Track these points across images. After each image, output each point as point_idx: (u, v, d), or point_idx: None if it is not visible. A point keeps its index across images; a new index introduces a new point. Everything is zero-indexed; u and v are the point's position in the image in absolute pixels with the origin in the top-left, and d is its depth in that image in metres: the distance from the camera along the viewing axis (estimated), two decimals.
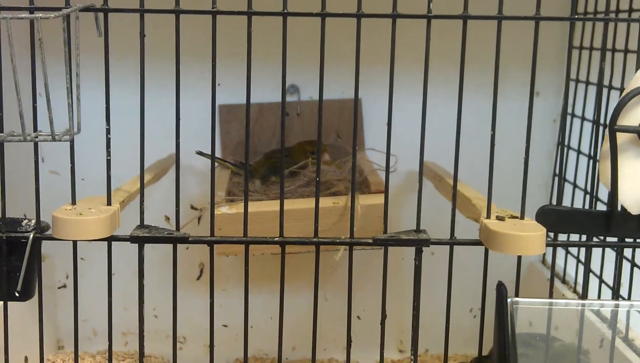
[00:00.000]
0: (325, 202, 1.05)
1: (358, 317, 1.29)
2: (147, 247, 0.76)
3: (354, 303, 0.80)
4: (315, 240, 0.76)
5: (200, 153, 1.16)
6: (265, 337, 1.12)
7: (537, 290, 1.17)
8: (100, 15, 0.72)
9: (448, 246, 0.78)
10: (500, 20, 0.73)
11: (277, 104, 1.26)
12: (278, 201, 1.06)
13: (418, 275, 0.75)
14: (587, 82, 1.13)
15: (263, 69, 1.23)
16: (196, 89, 1.21)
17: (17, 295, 0.76)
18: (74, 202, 0.75)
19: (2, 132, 0.72)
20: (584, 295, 0.80)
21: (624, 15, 0.98)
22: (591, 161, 1.07)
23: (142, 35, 0.72)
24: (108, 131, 0.74)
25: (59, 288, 1.26)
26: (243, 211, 1.05)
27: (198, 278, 1.31)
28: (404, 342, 1.33)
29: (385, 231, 0.76)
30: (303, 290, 1.24)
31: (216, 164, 1.21)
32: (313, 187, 1.10)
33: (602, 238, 0.78)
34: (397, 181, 1.23)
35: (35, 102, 0.73)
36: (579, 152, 1.15)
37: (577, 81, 1.17)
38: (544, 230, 0.72)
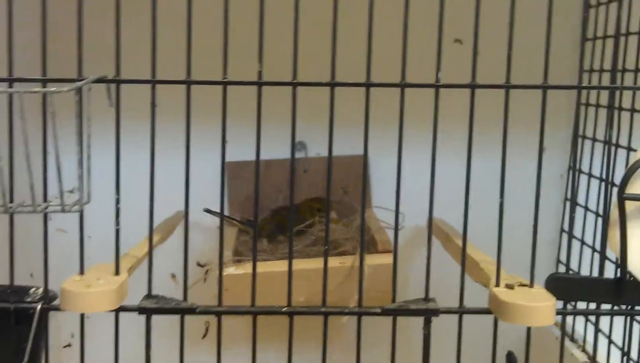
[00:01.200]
0: (332, 262, 1.04)
1: None
2: None
3: None
4: (323, 310, 0.76)
5: (208, 211, 1.16)
6: None
7: (546, 349, 1.16)
8: (112, 86, 0.72)
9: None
10: (508, 89, 0.74)
11: (284, 160, 1.27)
12: (285, 262, 1.06)
13: (427, 345, 0.75)
14: (594, 139, 1.14)
15: (270, 125, 1.23)
16: (203, 147, 1.22)
17: None
18: (82, 271, 0.75)
19: (12, 202, 0.72)
20: (593, 359, 0.80)
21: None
22: (599, 218, 1.07)
23: (154, 106, 0.73)
24: (117, 201, 0.74)
25: (64, 347, 1.26)
26: (250, 271, 1.06)
27: (204, 337, 1.31)
28: None
29: (393, 300, 0.76)
30: (310, 351, 1.23)
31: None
32: (320, 246, 1.10)
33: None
34: (404, 237, 1.23)
35: (46, 173, 0.73)
36: (586, 209, 1.14)
37: (584, 137, 1.17)
38: (554, 299, 0.71)
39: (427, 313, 0.73)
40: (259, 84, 0.73)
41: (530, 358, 0.76)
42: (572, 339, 1.13)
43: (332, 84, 0.73)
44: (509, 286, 0.75)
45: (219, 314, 0.75)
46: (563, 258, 1.19)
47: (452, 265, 0.98)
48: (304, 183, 1.25)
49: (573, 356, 1.09)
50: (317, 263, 1.05)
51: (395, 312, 0.74)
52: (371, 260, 1.04)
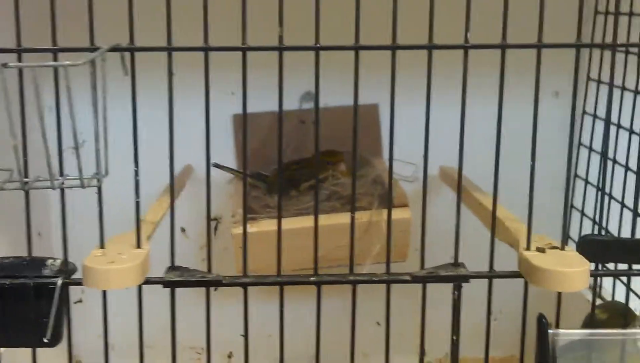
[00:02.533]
0: (347, 218, 1.03)
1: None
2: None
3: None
4: (351, 278, 0.74)
5: (217, 166, 1.14)
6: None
7: (576, 310, 1.14)
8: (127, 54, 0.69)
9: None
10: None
11: (293, 112, 1.24)
12: (300, 219, 1.05)
13: (457, 310, 0.74)
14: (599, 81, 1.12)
15: (275, 75, 1.20)
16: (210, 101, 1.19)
17: (45, 341, 0.74)
18: (102, 246, 0.73)
19: (27, 177, 0.70)
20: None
21: None
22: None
23: (170, 74, 0.69)
24: (136, 173, 0.72)
25: (74, 303, 1.25)
26: (265, 229, 1.04)
27: (216, 289, 1.29)
28: None
29: (422, 266, 0.74)
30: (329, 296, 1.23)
31: (232, 176, 1.20)
32: (334, 202, 1.08)
33: None
34: (418, 188, 1.21)
35: (61, 147, 0.70)
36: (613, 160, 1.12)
37: (599, 82, 1.14)
38: (588, 264, 0.70)
39: (457, 279, 0.72)
40: (280, 49, 0.70)
41: (561, 320, 0.75)
42: (600, 297, 1.12)
43: (357, 48, 0.70)
44: (540, 250, 0.73)
45: (245, 285, 0.73)
46: (577, 204, 1.18)
47: (470, 218, 0.96)
48: (313, 135, 1.22)
49: None
50: (332, 219, 1.03)
51: (425, 279, 0.73)
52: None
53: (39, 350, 0.78)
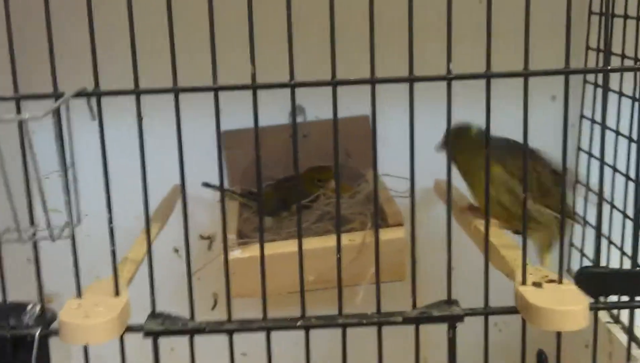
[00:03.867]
0: (342, 240, 1.00)
1: None
2: None
3: None
4: (340, 321, 0.71)
5: (206, 185, 1.11)
6: None
7: (581, 341, 1.11)
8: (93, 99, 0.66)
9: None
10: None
11: (283, 126, 1.20)
12: (293, 242, 1.02)
13: (452, 350, 0.70)
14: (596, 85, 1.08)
15: (263, 90, 1.17)
16: (197, 117, 1.15)
17: None
18: (79, 294, 0.70)
19: None
20: (629, 358, 0.76)
21: None
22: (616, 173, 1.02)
23: (140, 118, 0.66)
24: (110, 220, 0.68)
25: None
26: (257, 254, 1.01)
27: (213, 308, 1.27)
28: None
29: (414, 306, 0.71)
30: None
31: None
32: (327, 223, 1.05)
33: None
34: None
35: (30, 197, 0.67)
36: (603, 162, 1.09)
37: (596, 85, 1.11)
38: (587, 301, 0.66)
39: (452, 319, 0.69)
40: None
41: (563, 354, 0.72)
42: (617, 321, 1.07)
43: (373, 81, 0.67)
44: (537, 284, 0.70)
45: (230, 332, 0.70)
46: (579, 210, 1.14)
47: (462, 236, 0.93)
48: (305, 149, 1.19)
49: (615, 337, 1.02)
50: (325, 242, 1.00)
51: (417, 320, 0.69)
52: (382, 234, 0.99)
53: None
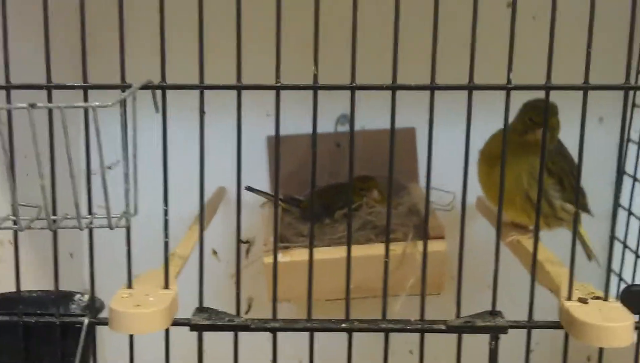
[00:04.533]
0: (382, 250, 1.00)
1: None
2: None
3: None
4: (384, 325, 0.71)
5: (249, 189, 1.12)
6: None
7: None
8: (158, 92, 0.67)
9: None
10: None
11: (329, 134, 1.22)
12: (334, 249, 1.02)
13: (494, 361, 0.71)
14: None
15: (311, 97, 1.18)
16: (245, 120, 1.17)
17: None
18: (129, 285, 0.72)
19: (56, 215, 0.68)
20: None
21: None
22: None
23: (202, 113, 0.68)
24: (166, 213, 0.70)
25: None
26: (297, 259, 1.02)
27: (247, 312, 1.28)
28: None
29: (458, 315, 0.71)
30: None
31: (265, 199, 1.17)
32: (368, 231, 1.05)
33: None
34: (454, 218, 1.18)
35: (90, 185, 0.69)
36: None
37: None
38: (632, 318, 0.67)
39: (495, 330, 0.69)
40: (315, 88, 0.67)
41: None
42: None
43: (394, 87, 0.67)
44: (582, 300, 0.70)
45: (274, 331, 0.71)
46: (620, 235, 1.14)
47: (507, 254, 0.93)
48: (347, 160, 1.19)
49: None
50: (366, 250, 1.01)
51: (460, 329, 0.70)
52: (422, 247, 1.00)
53: None
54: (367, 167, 1.18)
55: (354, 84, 0.68)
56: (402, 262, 1.00)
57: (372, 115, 1.19)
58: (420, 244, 1.00)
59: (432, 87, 0.67)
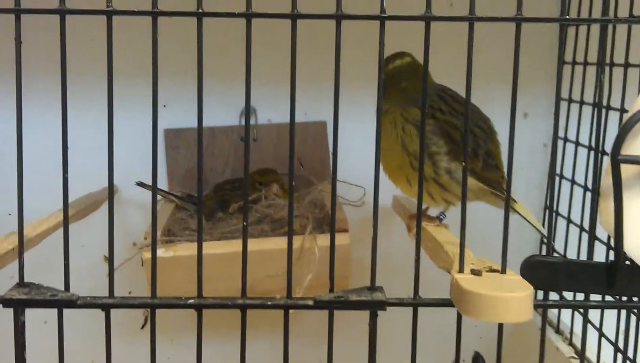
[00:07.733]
0: (278, 243, 0.89)
1: None
2: None
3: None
4: (240, 302, 0.60)
5: (140, 184, 1.01)
6: None
7: (525, 342, 1.01)
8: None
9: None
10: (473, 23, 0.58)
11: (231, 128, 1.11)
12: (223, 242, 0.91)
13: (373, 341, 0.59)
14: (582, 102, 0.99)
15: (214, 88, 1.08)
16: (137, 111, 1.06)
17: None
18: None
19: None
20: (582, 358, 0.65)
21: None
22: (587, 192, 0.93)
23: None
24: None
25: None
26: (182, 254, 0.91)
27: (142, 327, 1.15)
28: None
29: (331, 289, 0.60)
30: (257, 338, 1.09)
31: (160, 197, 1.06)
32: (264, 225, 0.95)
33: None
34: (364, 215, 1.08)
35: None
36: (573, 182, 1.00)
37: (570, 100, 1.02)
38: (531, 289, 0.56)
39: (372, 305, 0.58)
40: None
41: (508, 354, 0.60)
42: (558, 330, 0.99)
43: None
44: (475, 272, 0.59)
45: (106, 307, 0.59)
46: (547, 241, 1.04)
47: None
48: (254, 153, 1.10)
49: (558, 350, 0.94)
50: (261, 244, 0.91)
51: (330, 305, 0.58)
52: (324, 240, 0.90)
53: None
54: (273, 162, 1.08)
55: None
56: (300, 257, 0.89)
57: (279, 107, 1.11)
58: (320, 237, 0.90)
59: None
